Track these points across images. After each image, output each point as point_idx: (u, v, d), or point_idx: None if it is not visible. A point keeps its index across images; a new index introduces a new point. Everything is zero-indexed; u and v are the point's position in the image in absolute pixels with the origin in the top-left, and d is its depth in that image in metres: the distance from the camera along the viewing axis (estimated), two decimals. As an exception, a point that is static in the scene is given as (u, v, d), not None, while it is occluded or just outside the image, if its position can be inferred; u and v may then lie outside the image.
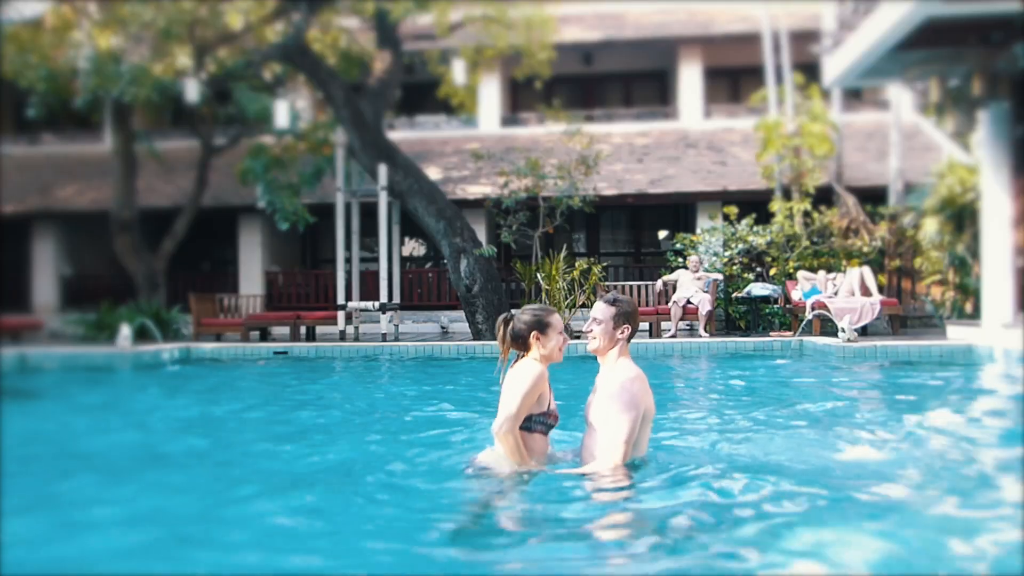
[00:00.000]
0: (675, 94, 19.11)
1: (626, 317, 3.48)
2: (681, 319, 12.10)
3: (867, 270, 11.95)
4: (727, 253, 13.35)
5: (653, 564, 2.60)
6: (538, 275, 12.22)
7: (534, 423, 3.44)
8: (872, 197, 14.62)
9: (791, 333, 11.09)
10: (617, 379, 3.42)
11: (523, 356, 3.53)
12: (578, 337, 5.66)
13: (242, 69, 13.95)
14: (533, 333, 3.48)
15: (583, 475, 3.36)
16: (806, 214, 13.79)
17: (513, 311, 3.63)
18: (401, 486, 3.64)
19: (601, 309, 3.50)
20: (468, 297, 11.75)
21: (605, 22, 19.60)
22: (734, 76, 19.53)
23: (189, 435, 5.26)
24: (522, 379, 3.41)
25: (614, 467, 3.32)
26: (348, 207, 13.05)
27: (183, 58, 13.99)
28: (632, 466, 3.39)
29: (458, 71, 13.63)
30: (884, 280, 13.15)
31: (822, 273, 12.19)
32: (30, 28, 14.43)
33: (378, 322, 13.02)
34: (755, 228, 13.46)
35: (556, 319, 3.52)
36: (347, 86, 12.62)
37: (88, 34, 14.02)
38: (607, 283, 13.50)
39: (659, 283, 12.79)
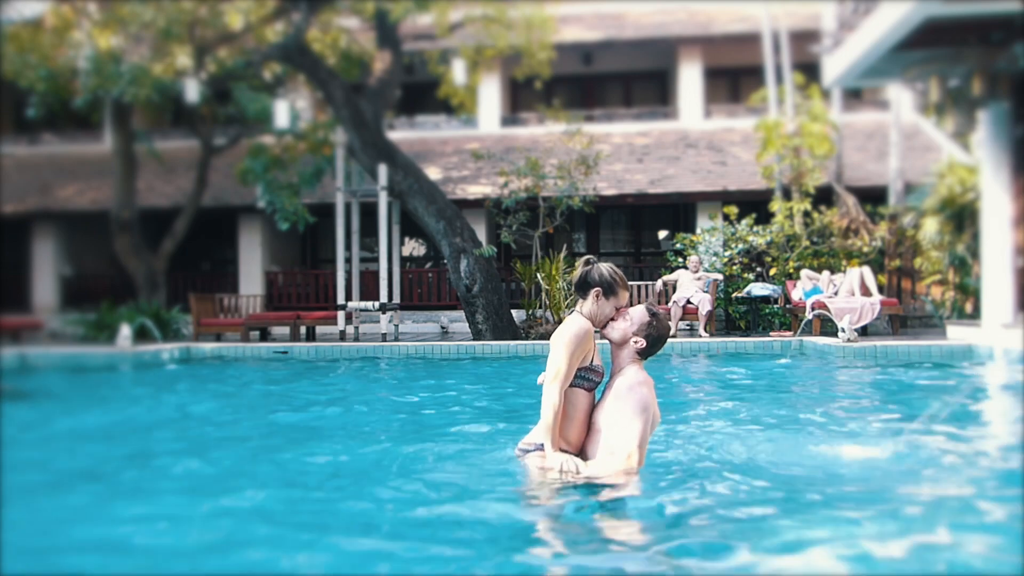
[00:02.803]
0: (675, 94, 19.11)
1: (649, 336, 3.47)
2: (681, 319, 12.10)
3: (867, 270, 11.95)
4: (727, 253, 13.36)
5: (658, 564, 2.60)
6: (538, 275, 12.22)
7: (576, 378, 3.42)
8: (872, 197, 14.63)
9: (791, 333, 11.09)
10: (626, 382, 3.42)
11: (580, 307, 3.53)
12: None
13: (242, 69, 13.96)
14: (597, 290, 3.47)
15: (597, 480, 3.33)
16: (806, 214, 13.80)
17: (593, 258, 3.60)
18: (402, 485, 3.64)
19: (638, 312, 3.50)
20: (468, 297, 11.75)
21: (605, 22, 19.61)
22: (734, 76, 19.54)
23: (191, 435, 5.26)
24: (568, 335, 3.39)
25: (628, 471, 3.31)
26: (348, 207, 13.05)
27: (183, 58, 14.00)
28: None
29: (458, 71, 13.63)
30: (884, 280, 13.15)
31: (826, 273, 12.18)
32: (30, 28, 14.43)
33: (378, 322, 13.02)
34: (755, 228, 13.47)
35: (624, 295, 3.52)
36: (347, 86, 12.61)
37: (88, 34, 14.02)
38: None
39: (659, 283, 12.80)
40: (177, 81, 13.56)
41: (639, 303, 3.61)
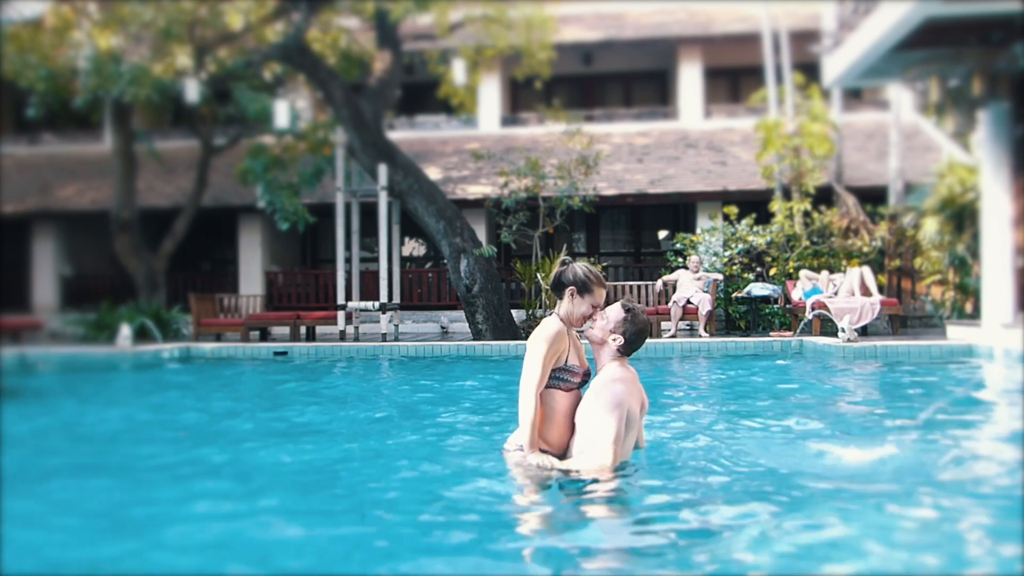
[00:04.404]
0: (675, 94, 19.11)
1: (627, 332, 3.48)
2: (681, 319, 12.10)
3: (867, 270, 11.95)
4: (727, 253, 13.35)
5: (646, 565, 2.60)
6: (538, 275, 12.23)
7: (551, 380, 3.43)
8: (872, 197, 14.63)
9: (791, 333, 11.09)
10: (602, 380, 3.45)
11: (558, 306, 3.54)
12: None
13: (242, 69, 13.96)
14: (572, 288, 3.49)
15: (572, 477, 3.34)
16: (806, 214, 13.80)
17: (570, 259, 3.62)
18: (392, 483, 3.64)
19: (615, 310, 3.52)
20: (468, 297, 11.75)
21: (605, 22, 19.61)
22: (734, 76, 19.54)
23: (191, 435, 5.26)
24: (539, 338, 3.41)
25: (602, 468, 3.32)
26: (348, 207, 13.05)
27: (183, 58, 14.00)
28: (621, 468, 3.39)
29: (458, 71, 13.63)
30: (884, 280, 13.15)
31: (825, 273, 12.18)
32: (30, 28, 14.44)
33: (378, 322, 13.02)
34: (755, 228, 13.47)
35: (600, 293, 3.52)
36: (347, 86, 12.61)
37: (88, 34, 14.02)
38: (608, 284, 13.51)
39: (659, 283, 12.80)
40: (177, 81, 13.57)
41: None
